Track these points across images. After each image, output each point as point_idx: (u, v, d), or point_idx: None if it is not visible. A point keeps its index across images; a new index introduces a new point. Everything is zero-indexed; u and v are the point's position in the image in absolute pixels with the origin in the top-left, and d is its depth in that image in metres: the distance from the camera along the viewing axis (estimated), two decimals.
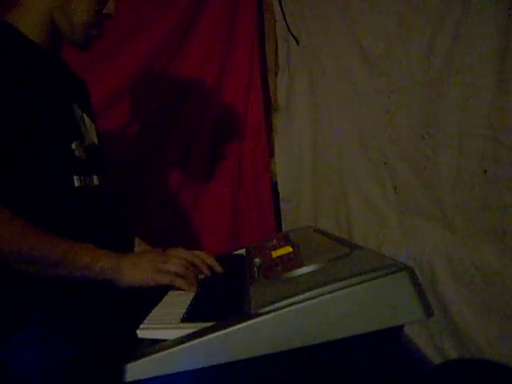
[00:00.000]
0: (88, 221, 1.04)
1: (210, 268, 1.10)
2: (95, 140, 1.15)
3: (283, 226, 2.05)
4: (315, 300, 0.71)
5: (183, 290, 0.98)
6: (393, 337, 0.77)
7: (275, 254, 1.08)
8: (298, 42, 1.96)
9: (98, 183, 1.09)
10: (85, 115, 1.13)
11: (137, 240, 1.27)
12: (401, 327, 0.74)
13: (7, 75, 0.92)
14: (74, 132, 1.05)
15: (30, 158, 0.92)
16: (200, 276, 1.07)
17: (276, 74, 2.05)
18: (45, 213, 0.94)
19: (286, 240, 1.21)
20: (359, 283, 0.71)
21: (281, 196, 2.06)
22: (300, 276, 0.84)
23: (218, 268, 1.10)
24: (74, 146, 1.02)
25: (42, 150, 0.94)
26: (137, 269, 0.97)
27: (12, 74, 0.93)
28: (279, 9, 1.98)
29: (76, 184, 1.01)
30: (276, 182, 2.07)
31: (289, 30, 1.97)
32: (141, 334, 0.78)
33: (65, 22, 1.05)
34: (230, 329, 0.72)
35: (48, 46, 1.06)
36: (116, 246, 1.04)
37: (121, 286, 0.96)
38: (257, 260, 1.06)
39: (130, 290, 0.97)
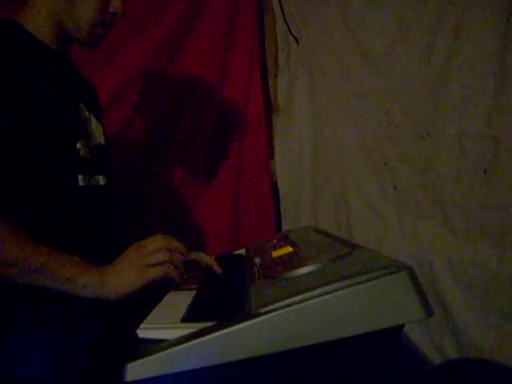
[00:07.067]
0: (90, 220, 1.04)
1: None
2: (102, 141, 1.14)
3: (283, 226, 2.05)
4: (315, 300, 0.71)
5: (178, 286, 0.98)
6: (393, 337, 0.77)
7: (275, 253, 1.08)
8: (297, 42, 1.96)
9: (103, 183, 1.09)
10: (92, 116, 1.13)
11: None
12: (401, 327, 0.74)
13: (13, 73, 0.92)
14: (79, 131, 1.05)
15: (32, 154, 0.92)
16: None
17: (276, 75, 2.05)
18: (47, 210, 0.94)
19: (286, 240, 1.21)
20: (359, 283, 0.71)
21: (281, 196, 2.06)
22: (300, 276, 0.84)
23: (188, 255, 1.08)
24: (78, 145, 1.02)
25: (45, 147, 0.94)
26: (122, 276, 0.90)
27: (18, 72, 0.93)
28: (279, 9, 1.98)
29: (80, 183, 1.01)
30: (276, 182, 2.07)
31: (289, 30, 1.97)
32: (141, 333, 0.79)
33: (70, 22, 1.05)
34: (230, 329, 0.72)
35: (56, 45, 1.06)
36: (112, 247, 1.03)
37: (110, 301, 0.89)
38: (257, 260, 1.06)
39: (123, 299, 0.90)
